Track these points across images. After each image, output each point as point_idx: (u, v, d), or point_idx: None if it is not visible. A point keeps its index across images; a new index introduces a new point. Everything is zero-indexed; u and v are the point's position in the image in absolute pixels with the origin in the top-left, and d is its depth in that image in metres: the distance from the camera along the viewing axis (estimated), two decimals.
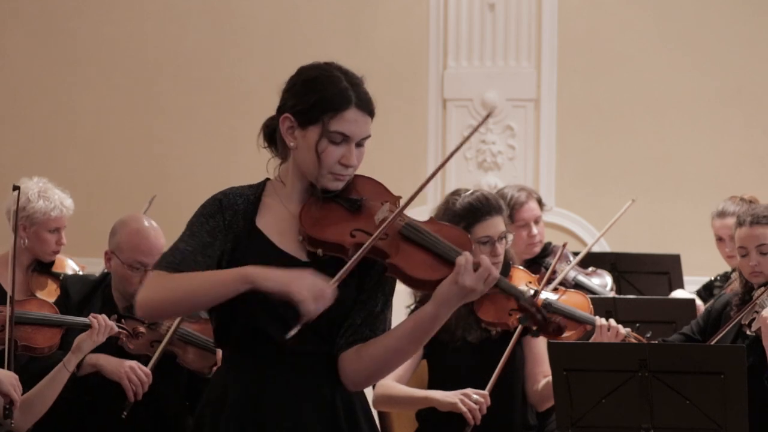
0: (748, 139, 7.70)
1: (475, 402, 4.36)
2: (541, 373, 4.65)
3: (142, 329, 4.46)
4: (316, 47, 7.93)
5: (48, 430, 4.42)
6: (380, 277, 3.01)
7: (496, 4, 7.84)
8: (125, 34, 8.20)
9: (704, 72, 7.73)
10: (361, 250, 2.89)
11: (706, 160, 7.71)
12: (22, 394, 4.21)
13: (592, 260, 5.90)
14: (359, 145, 3.01)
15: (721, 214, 5.79)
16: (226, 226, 3.00)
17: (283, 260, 2.95)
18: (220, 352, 4.42)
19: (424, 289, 2.99)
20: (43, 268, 5.25)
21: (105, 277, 4.69)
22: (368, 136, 3.01)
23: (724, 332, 4.67)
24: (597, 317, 4.74)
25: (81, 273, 5.36)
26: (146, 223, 4.58)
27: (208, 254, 2.96)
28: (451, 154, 3.17)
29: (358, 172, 3.10)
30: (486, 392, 4.39)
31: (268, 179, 3.13)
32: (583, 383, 4.19)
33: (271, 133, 3.13)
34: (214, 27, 8.13)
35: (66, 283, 4.67)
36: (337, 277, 2.86)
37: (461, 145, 3.16)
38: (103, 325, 4.28)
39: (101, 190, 7.81)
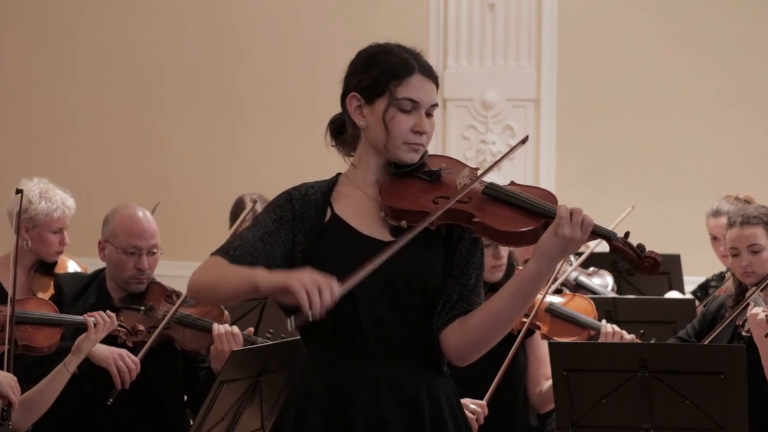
0: (748, 139, 7.70)
1: (473, 412, 4.36)
2: (543, 375, 4.65)
3: (140, 327, 4.47)
4: (316, 47, 7.94)
5: (41, 421, 4.43)
6: (470, 251, 3.00)
7: (496, 4, 7.84)
8: (125, 34, 8.20)
9: (704, 72, 7.73)
10: (435, 214, 2.88)
11: (706, 160, 7.71)
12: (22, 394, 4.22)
13: (592, 260, 5.90)
14: (428, 114, 3.01)
15: (716, 213, 5.78)
16: (295, 217, 2.99)
17: (365, 243, 2.95)
18: (216, 331, 4.46)
19: (515, 244, 2.98)
20: (45, 269, 5.26)
21: (98, 273, 4.71)
22: (436, 105, 3.01)
23: (717, 331, 4.66)
24: (603, 322, 4.73)
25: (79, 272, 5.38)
26: (138, 210, 4.61)
27: (269, 241, 2.96)
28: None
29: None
30: (484, 402, 4.38)
31: (339, 173, 3.11)
32: (583, 383, 4.19)
33: (337, 128, 3.11)
34: (214, 28, 8.14)
35: (59, 280, 4.68)
36: (349, 279, 2.81)
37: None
38: (101, 322, 4.29)
39: (102, 190, 7.82)
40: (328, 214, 3.01)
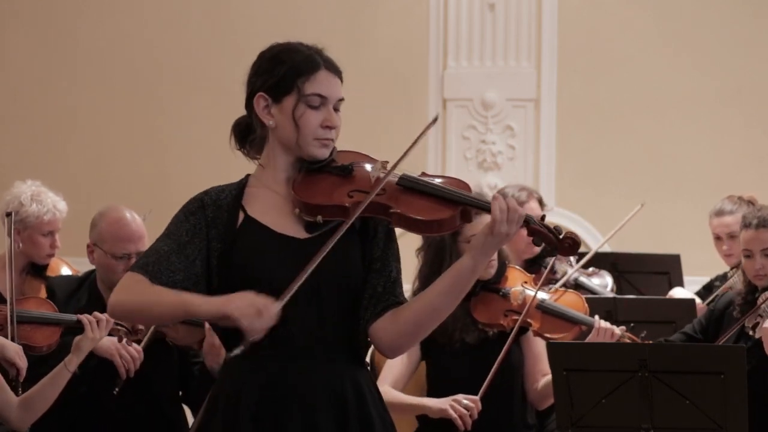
0: (748, 139, 7.70)
1: (466, 407, 4.36)
2: (540, 372, 4.65)
3: (140, 326, 4.47)
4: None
5: (42, 417, 4.44)
6: (387, 243, 3.01)
7: (496, 4, 7.84)
8: (125, 34, 8.20)
9: (704, 72, 7.73)
10: (357, 208, 2.90)
11: (706, 160, 7.71)
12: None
13: (592, 260, 5.90)
14: (336, 109, 3.02)
15: (719, 213, 5.78)
16: (208, 224, 2.97)
17: (281, 242, 2.95)
18: (206, 325, 4.46)
19: (431, 232, 2.99)
20: (36, 271, 5.24)
21: (89, 274, 4.70)
22: (342, 99, 3.03)
23: (729, 334, 4.66)
24: (596, 318, 4.74)
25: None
26: (126, 212, 4.59)
27: (185, 254, 2.94)
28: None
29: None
30: (477, 398, 4.38)
31: (248, 174, 3.12)
32: (583, 383, 4.18)
33: (242, 131, 3.13)
34: (214, 27, 8.13)
35: (51, 283, 4.67)
36: (285, 293, 2.82)
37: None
38: (94, 321, 4.28)
39: (102, 190, 7.81)
40: (241, 216, 3.00)
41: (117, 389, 4.39)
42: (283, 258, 2.91)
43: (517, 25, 7.85)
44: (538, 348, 4.69)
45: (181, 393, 4.72)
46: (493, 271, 4.61)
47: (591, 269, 6.00)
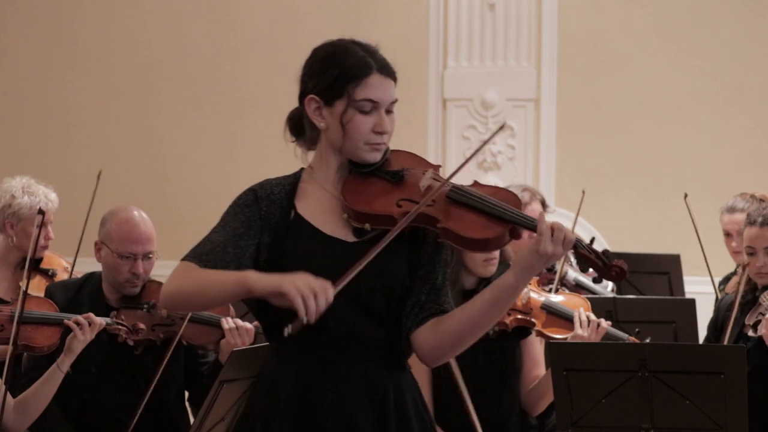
0: (748, 139, 7.70)
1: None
2: (536, 377, 4.66)
3: (141, 325, 4.47)
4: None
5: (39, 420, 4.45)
6: (435, 250, 2.98)
7: (496, 4, 7.84)
8: (125, 34, 8.20)
9: (704, 72, 7.73)
10: (404, 219, 2.86)
11: (706, 160, 7.71)
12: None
13: None
14: (389, 111, 2.99)
15: (731, 210, 5.78)
16: (262, 217, 2.96)
17: (328, 244, 2.94)
18: (226, 326, 4.46)
19: (479, 250, 2.96)
20: (32, 264, 5.25)
21: (88, 277, 4.70)
22: (395, 101, 3.00)
23: (729, 333, 4.67)
24: (580, 310, 4.70)
25: (67, 269, 5.37)
26: (135, 213, 4.58)
27: (239, 245, 2.93)
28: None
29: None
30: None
31: (303, 168, 3.09)
32: (583, 383, 4.18)
33: (296, 125, 3.09)
34: (214, 27, 8.13)
35: (50, 292, 4.66)
36: (340, 281, 2.80)
37: None
38: (82, 322, 4.29)
39: (101, 189, 7.80)
40: (292, 214, 2.98)
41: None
42: (329, 260, 2.89)
43: (517, 25, 7.85)
44: (536, 352, 4.69)
45: (189, 394, 4.73)
46: (493, 269, 4.61)
47: (591, 270, 6.00)
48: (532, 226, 2.87)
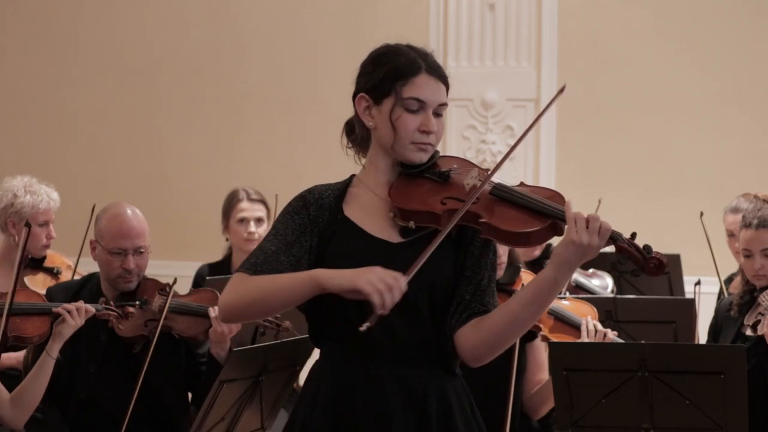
0: (748, 139, 7.70)
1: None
2: (539, 382, 4.66)
3: (132, 310, 4.47)
4: (316, 47, 7.94)
5: (41, 420, 4.45)
6: (482, 252, 2.99)
7: (496, 4, 7.84)
8: (125, 33, 8.20)
9: (704, 72, 7.73)
10: (454, 215, 2.87)
11: (706, 160, 7.71)
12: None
13: (592, 261, 5.89)
14: (438, 114, 3.00)
15: (735, 210, 5.78)
16: (311, 222, 2.99)
17: (375, 245, 2.96)
18: (213, 314, 4.47)
19: (522, 244, 2.95)
20: (35, 263, 5.26)
21: (88, 278, 4.71)
22: (445, 104, 3.01)
23: (735, 333, 4.67)
24: (588, 318, 4.71)
25: (70, 267, 5.38)
26: (127, 209, 4.60)
27: (292, 253, 2.96)
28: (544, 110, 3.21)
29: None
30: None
31: (353, 175, 3.12)
32: (583, 383, 4.18)
33: (351, 131, 3.11)
34: (214, 27, 8.13)
35: (50, 293, 4.67)
36: (410, 269, 2.82)
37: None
38: (71, 308, 4.30)
39: (101, 189, 7.81)
40: (339, 217, 3.01)
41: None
42: (374, 261, 2.89)
43: (517, 25, 7.85)
44: (541, 356, 4.69)
45: (190, 395, 4.73)
46: (501, 272, 4.61)
47: (591, 270, 6.00)
48: None
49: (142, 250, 4.55)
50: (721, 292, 5.91)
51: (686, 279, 6.27)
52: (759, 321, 4.63)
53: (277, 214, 3.08)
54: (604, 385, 4.16)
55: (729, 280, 6.00)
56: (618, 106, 7.81)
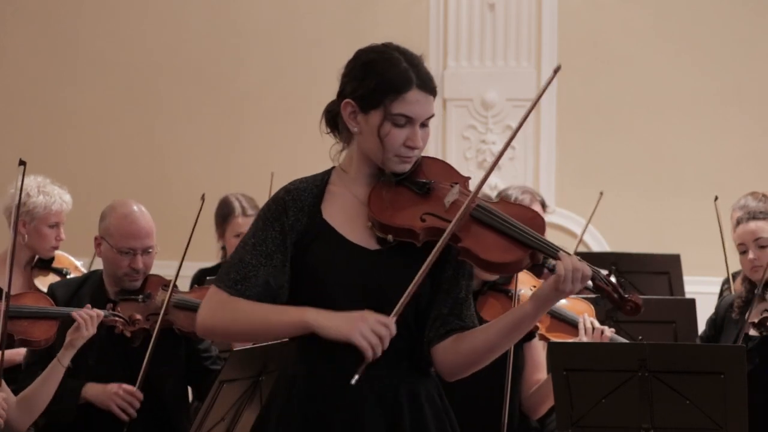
0: (748, 139, 7.70)
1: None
2: (537, 382, 4.66)
3: (138, 316, 4.46)
4: (316, 48, 7.94)
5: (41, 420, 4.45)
6: (459, 264, 2.99)
7: (496, 4, 7.84)
8: (125, 33, 8.20)
9: (704, 72, 7.74)
10: (432, 254, 2.86)
11: (706, 160, 7.71)
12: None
13: (592, 260, 5.85)
14: (424, 125, 2.98)
15: (743, 207, 5.78)
16: (290, 227, 2.98)
17: (352, 251, 2.95)
18: None
19: (497, 272, 2.99)
20: (44, 265, 5.26)
21: (90, 275, 4.71)
22: (432, 116, 2.98)
23: (737, 334, 4.67)
24: (585, 315, 4.70)
25: (78, 269, 5.38)
26: (135, 208, 4.59)
27: (272, 264, 2.95)
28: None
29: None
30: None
31: (334, 167, 3.09)
32: (583, 383, 4.18)
33: (332, 118, 3.08)
34: (214, 27, 8.14)
35: (52, 289, 4.67)
36: (397, 308, 2.84)
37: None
38: (86, 317, 4.29)
39: (101, 189, 7.81)
40: (318, 220, 2.99)
41: (125, 430, 4.42)
42: (352, 266, 2.92)
43: (517, 25, 7.85)
44: (539, 356, 4.69)
45: (193, 390, 4.72)
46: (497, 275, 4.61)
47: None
48: (553, 254, 2.89)
49: (150, 250, 4.55)
50: (726, 282, 5.90)
51: (686, 279, 6.27)
52: (765, 317, 4.63)
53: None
54: (604, 385, 4.16)
55: (733, 277, 6.00)
56: (618, 106, 7.81)
